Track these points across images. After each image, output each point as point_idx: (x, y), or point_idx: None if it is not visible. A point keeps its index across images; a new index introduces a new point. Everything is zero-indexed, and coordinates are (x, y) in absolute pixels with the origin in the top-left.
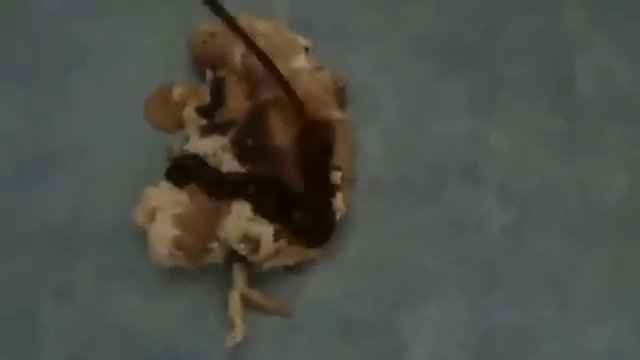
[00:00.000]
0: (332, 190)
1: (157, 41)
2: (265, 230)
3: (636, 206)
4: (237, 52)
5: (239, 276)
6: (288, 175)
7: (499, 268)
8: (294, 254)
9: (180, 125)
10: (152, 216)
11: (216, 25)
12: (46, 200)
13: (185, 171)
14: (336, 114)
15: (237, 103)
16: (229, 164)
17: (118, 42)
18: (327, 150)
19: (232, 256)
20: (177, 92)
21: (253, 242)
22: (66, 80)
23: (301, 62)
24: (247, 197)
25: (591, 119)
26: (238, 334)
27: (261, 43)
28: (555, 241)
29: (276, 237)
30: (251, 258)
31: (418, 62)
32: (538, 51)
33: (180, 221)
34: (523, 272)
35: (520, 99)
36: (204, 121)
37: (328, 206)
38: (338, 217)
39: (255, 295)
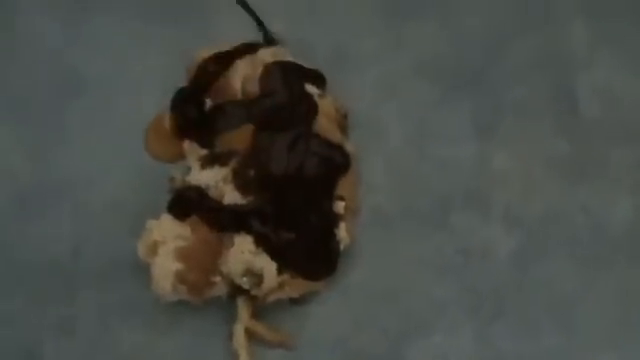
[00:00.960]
0: (336, 220)
1: (156, 68)
2: (268, 264)
3: None
4: (238, 79)
5: (243, 309)
6: (291, 205)
7: (505, 296)
8: (298, 287)
9: (181, 155)
10: (154, 250)
11: (216, 50)
12: (46, 235)
13: (187, 204)
14: (346, 145)
15: (238, 132)
16: (231, 196)
17: (116, 70)
18: (330, 180)
19: (236, 289)
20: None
21: (256, 276)
22: (64, 112)
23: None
24: (249, 230)
25: (595, 141)
26: None
27: None
28: (561, 267)
29: (280, 270)
30: (255, 291)
31: (420, 86)
32: (541, 71)
33: (183, 255)
34: (529, 299)
35: (523, 122)
36: (204, 151)
37: (332, 237)
38: (342, 248)
39: (259, 328)
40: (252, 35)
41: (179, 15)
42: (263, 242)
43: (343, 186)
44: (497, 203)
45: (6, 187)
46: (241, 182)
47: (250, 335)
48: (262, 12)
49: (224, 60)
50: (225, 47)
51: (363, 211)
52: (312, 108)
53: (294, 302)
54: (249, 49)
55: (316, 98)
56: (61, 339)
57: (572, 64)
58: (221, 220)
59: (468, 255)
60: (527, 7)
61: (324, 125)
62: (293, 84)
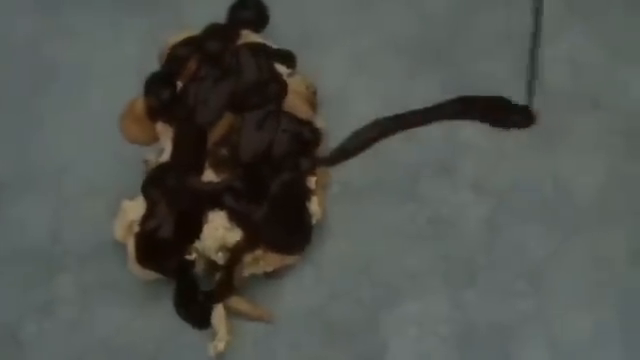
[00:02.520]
0: (307, 195)
1: (129, 54)
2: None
3: (611, 193)
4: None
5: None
6: (263, 181)
7: (477, 262)
8: (273, 261)
9: (155, 138)
10: (130, 230)
11: (186, 35)
12: (25, 220)
13: (160, 184)
14: (316, 121)
15: None
16: (205, 174)
17: (89, 57)
18: (301, 155)
19: (211, 265)
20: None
21: (230, 251)
22: (38, 99)
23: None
24: (223, 206)
25: (561, 109)
26: (221, 342)
27: None
28: (532, 233)
29: (253, 245)
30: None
31: (388, 61)
32: (506, 44)
33: None
34: (501, 265)
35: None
36: None
37: (304, 211)
38: (314, 221)
39: (237, 302)
40: (218, 17)
41: (150, 4)
42: (236, 218)
43: (314, 161)
44: (467, 173)
45: None
46: (214, 160)
47: (228, 310)
48: None
49: (193, 44)
50: (193, 32)
51: (334, 185)
52: (281, 87)
53: (269, 276)
54: (217, 32)
55: (285, 77)
56: (42, 321)
57: (538, 37)
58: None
59: (439, 224)
60: None
61: (294, 103)
62: (262, 64)
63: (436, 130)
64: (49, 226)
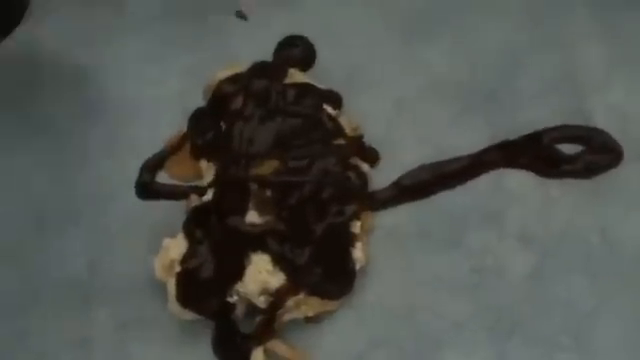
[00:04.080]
0: (352, 240)
1: (174, 88)
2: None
3: None
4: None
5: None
6: (307, 225)
7: (521, 314)
8: (315, 306)
9: (198, 175)
10: (171, 268)
11: (232, 71)
12: (64, 253)
13: (202, 223)
14: (362, 166)
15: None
16: (248, 215)
17: (136, 93)
18: (347, 200)
19: (252, 309)
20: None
21: (273, 295)
22: (83, 133)
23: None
24: (266, 249)
25: None
26: None
27: None
28: (577, 285)
29: (296, 290)
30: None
31: (435, 106)
32: (555, 91)
33: None
34: (545, 318)
35: None
36: None
37: (348, 257)
38: (358, 267)
39: (277, 346)
40: (267, 58)
41: (197, 39)
42: (280, 261)
43: (359, 206)
44: (512, 222)
45: (25, 205)
46: (258, 202)
47: (267, 353)
48: (281, 35)
49: (239, 81)
50: (240, 68)
51: (379, 230)
52: (330, 129)
53: (309, 320)
54: (264, 69)
55: None
56: (78, 355)
57: (587, 84)
58: (237, 241)
59: (483, 273)
60: (542, 27)
61: (341, 145)
62: (310, 104)
63: (483, 177)
64: (87, 259)
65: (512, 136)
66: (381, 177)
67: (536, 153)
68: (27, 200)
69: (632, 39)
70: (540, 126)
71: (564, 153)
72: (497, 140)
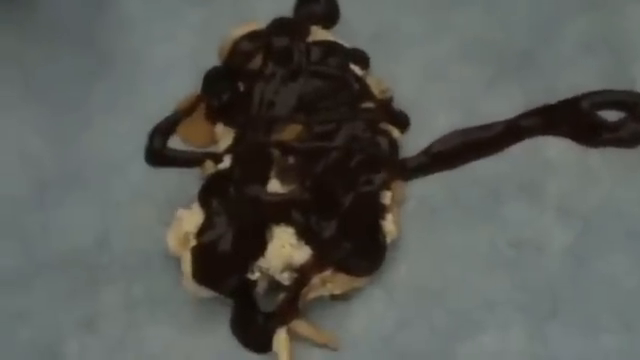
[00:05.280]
0: (382, 211)
1: (184, 47)
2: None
3: None
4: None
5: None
6: (334, 196)
7: (561, 293)
8: (342, 283)
9: (213, 140)
10: (185, 242)
11: (250, 28)
12: (70, 225)
13: (219, 192)
14: (392, 131)
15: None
16: (270, 184)
17: (144, 51)
18: (377, 168)
19: (275, 286)
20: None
21: (297, 271)
22: (89, 94)
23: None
24: (290, 222)
25: None
26: None
27: None
28: (620, 262)
29: (322, 266)
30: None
31: (468, 70)
32: (593, 54)
33: None
34: (586, 296)
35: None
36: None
37: (378, 230)
38: (388, 241)
39: (301, 326)
40: (287, 13)
41: None
42: (305, 235)
43: (390, 175)
44: (551, 194)
45: (27, 174)
46: (281, 170)
47: (291, 334)
48: None
49: (258, 39)
50: (258, 25)
51: (409, 201)
52: (359, 90)
53: (336, 299)
54: (285, 26)
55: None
56: (85, 336)
57: (628, 47)
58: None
59: (521, 248)
60: None
61: (369, 109)
62: (336, 63)
63: (519, 145)
64: (95, 232)
65: (550, 101)
66: (411, 144)
67: (576, 119)
68: (25, 167)
69: None
70: (580, 91)
71: (606, 120)
72: (534, 105)
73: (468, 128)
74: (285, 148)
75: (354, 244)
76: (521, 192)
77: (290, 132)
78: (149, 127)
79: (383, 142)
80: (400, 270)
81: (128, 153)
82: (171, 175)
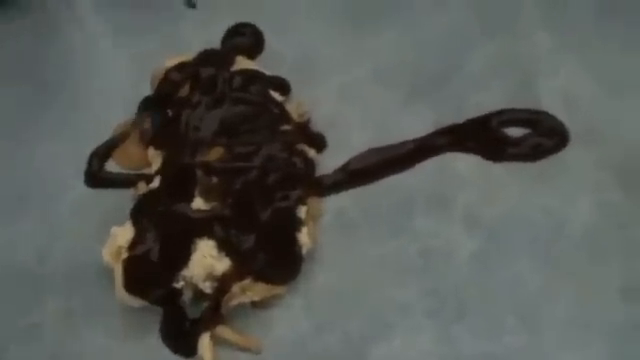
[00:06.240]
0: (298, 225)
1: (123, 77)
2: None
3: (601, 229)
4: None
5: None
6: (253, 211)
7: (467, 297)
8: (261, 291)
9: (146, 163)
10: (118, 256)
11: (180, 59)
12: (12, 240)
13: (149, 211)
14: (308, 151)
15: None
16: (195, 202)
17: (85, 80)
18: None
19: (199, 294)
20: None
21: (218, 280)
22: (33, 117)
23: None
24: (212, 235)
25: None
26: None
27: None
28: (523, 267)
29: (241, 275)
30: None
31: (382, 91)
32: (502, 76)
33: None
34: (491, 300)
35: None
36: None
37: (294, 242)
38: (304, 252)
39: (225, 331)
40: (215, 46)
41: (144, 28)
42: (225, 247)
43: (305, 191)
44: (459, 205)
45: None
46: (204, 188)
47: (215, 339)
48: (231, 21)
49: (187, 69)
50: (188, 56)
51: (326, 214)
52: (276, 115)
53: (257, 306)
54: (211, 57)
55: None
56: (28, 345)
57: (533, 70)
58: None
59: (429, 257)
60: (488, 13)
61: (287, 131)
62: (256, 91)
63: (430, 160)
64: (37, 246)
65: (459, 120)
66: (329, 162)
67: (483, 136)
68: None
69: (577, 23)
70: (487, 110)
71: (510, 136)
72: (444, 124)
73: (381, 146)
74: (208, 168)
75: (271, 255)
76: (430, 204)
77: (213, 154)
78: (88, 151)
79: (299, 161)
80: (317, 279)
81: (69, 175)
82: (108, 195)
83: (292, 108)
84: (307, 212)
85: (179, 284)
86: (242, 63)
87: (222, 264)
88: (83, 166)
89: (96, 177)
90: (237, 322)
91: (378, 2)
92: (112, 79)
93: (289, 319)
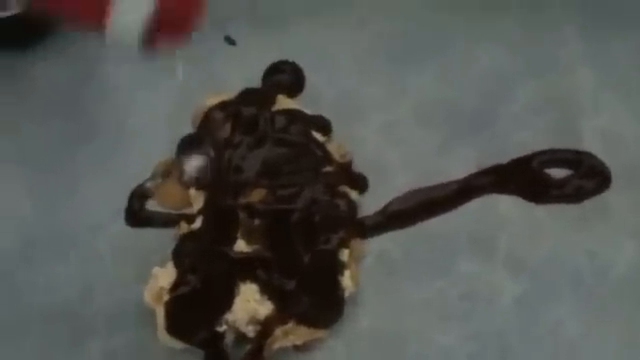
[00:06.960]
0: (340, 268)
1: (163, 116)
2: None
3: None
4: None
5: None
6: (295, 254)
7: (509, 341)
8: (303, 334)
9: (188, 203)
10: (160, 297)
11: (222, 97)
12: (54, 282)
13: (190, 251)
14: (350, 193)
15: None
16: (237, 244)
17: (126, 118)
18: (335, 228)
19: (241, 338)
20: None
21: (261, 324)
22: (72, 159)
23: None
24: (254, 279)
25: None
26: None
27: None
28: (566, 312)
29: (284, 319)
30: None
31: (423, 132)
32: (544, 116)
33: None
34: (535, 344)
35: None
36: None
37: (337, 285)
38: (347, 295)
39: None
40: (255, 84)
41: (186, 64)
42: (268, 291)
43: (348, 234)
44: (501, 247)
45: (15, 232)
46: (246, 230)
47: None
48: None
49: (228, 108)
50: (229, 95)
51: (368, 257)
52: (319, 157)
53: (298, 349)
54: (252, 96)
55: None
56: None
57: (575, 109)
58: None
59: (472, 300)
60: (530, 51)
61: (330, 173)
62: (298, 131)
63: (472, 202)
64: (80, 287)
65: (501, 160)
66: (371, 202)
67: (525, 178)
68: (14, 228)
69: (621, 62)
70: (529, 150)
71: (553, 177)
72: (486, 164)
73: (423, 188)
74: (251, 211)
75: (313, 299)
76: (473, 247)
77: (255, 195)
78: (129, 190)
79: (341, 204)
80: (359, 322)
81: (110, 213)
82: (149, 235)
83: (334, 148)
84: (349, 255)
85: (222, 327)
86: (283, 102)
87: (265, 308)
88: (124, 205)
89: (137, 216)
90: None
91: (419, 40)
92: (152, 117)
93: None
